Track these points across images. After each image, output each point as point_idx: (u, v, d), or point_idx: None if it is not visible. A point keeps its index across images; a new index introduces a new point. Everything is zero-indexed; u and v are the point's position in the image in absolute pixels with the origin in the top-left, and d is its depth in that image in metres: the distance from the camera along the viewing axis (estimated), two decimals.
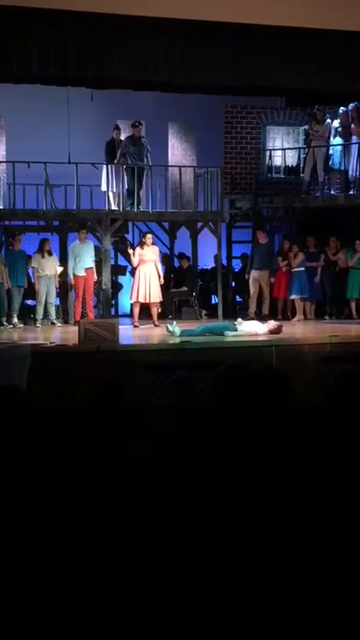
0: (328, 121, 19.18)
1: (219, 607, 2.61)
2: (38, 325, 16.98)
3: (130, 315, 17.22)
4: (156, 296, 16.70)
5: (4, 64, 15.12)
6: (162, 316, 17.30)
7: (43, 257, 17.10)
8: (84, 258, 17.28)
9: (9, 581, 2.73)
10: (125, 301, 18.92)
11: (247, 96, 19.17)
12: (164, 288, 17.38)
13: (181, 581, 2.67)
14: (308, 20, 15.56)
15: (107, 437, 3.92)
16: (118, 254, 19.41)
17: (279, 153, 20.78)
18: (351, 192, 18.58)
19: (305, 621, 2.61)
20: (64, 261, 17.62)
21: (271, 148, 21.08)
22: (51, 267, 17.18)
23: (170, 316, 17.68)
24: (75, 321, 16.39)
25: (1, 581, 2.73)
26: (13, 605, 2.68)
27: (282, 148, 20.95)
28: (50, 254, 17.26)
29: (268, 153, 20.80)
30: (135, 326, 16.52)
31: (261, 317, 16.97)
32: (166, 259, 19.22)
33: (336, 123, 18.95)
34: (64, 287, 17.79)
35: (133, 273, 17.24)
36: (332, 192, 19.12)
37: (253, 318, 16.52)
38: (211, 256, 19.30)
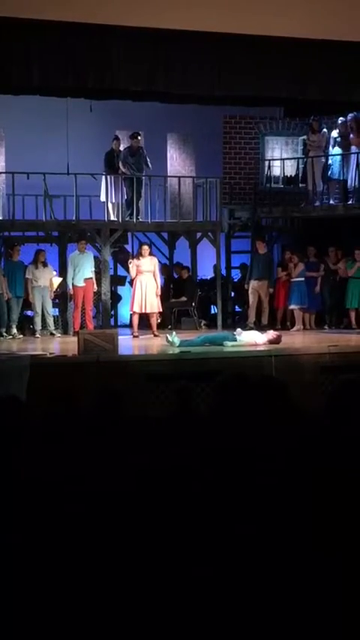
0: (325, 130, 19.21)
1: (218, 610, 2.61)
2: (37, 336, 16.98)
3: (130, 326, 17.23)
4: (153, 306, 16.71)
5: (4, 75, 15.14)
6: (161, 326, 17.32)
7: (36, 268, 17.08)
8: (83, 269, 17.28)
9: (11, 583, 2.73)
10: (125, 312, 18.93)
11: (245, 106, 19.21)
12: (163, 298, 17.39)
13: (180, 585, 2.67)
14: (307, 31, 15.60)
15: (107, 447, 3.93)
16: (118, 264, 19.44)
17: (278, 163, 20.79)
18: (350, 202, 18.60)
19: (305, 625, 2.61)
20: (63, 271, 17.63)
21: (269, 158, 21.08)
22: (45, 278, 17.17)
23: (170, 326, 17.68)
24: (74, 331, 16.38)
25: (3, 584, 2.74)
26: (13, 605, 2.68)
27: (281, 158, 20.97)
28: (45, 265, 17.25)
29: (266, 163, 20.80)
30: (134, 336, 16.53)
31: (260, 327, 16.96)
32: (165, 269, 19.23)
33: (335, 133, 18.98)
34: (64, 298, 17.79)
35: (131, 283, 17.26)
36: (331, 202, 19.13)
37: (252, 328, 16.50)
38: (210, 266, 19.31)
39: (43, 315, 17.19)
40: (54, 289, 17.46)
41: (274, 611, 2.59)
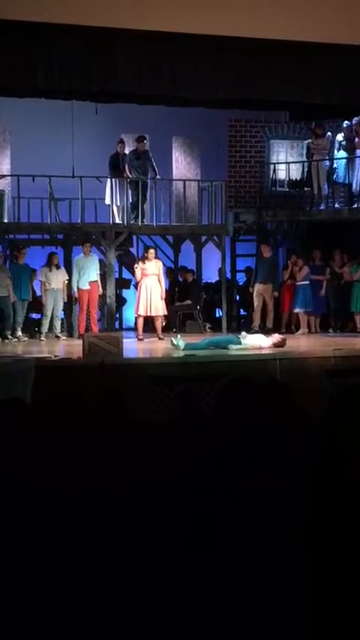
0: (329, 134, 19.21)
1: (216, 613, 2.61)
2: (43, 338, 16.98)
3: (135, 329, 17.23)
4: (158, 309, 16.72)
5: (9, 78, 15.18)
6: (166, 330, 17.31)
7: (50, 270, 17.13)
8: (88, 272, 17.29)
9: (11, 588, 2.73)
10: (130, 315, 18.95)
11: (251, 110, 19.21)
12: (168, 301, 17.39)
13: (179, 588, 2.67)
14: (312, 34, 15.62)
15: (110, 449, 3.92)
16: (123, 267, 19.44)
17: (283, 166, 20.79)
18: (355, 205, 18.58)
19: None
20: (68, 274, 17.64)
21: (275, 161, 21.09)
22: (58, 280, 17.20)
23: (174, 330, 17.68)
24: (79, 334, 16.39)
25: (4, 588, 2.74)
26: (13, 608, 2.68)
27: (286, 161, 20.97)
28: (58, 267, 17.28)
29: (272, 166, 20.82)
30: (139, 339, 16.53)
31: (265, 330, 16.95)
32: (170, 273, 19.24)
33: (340, 136, 18.97)
34: (69, 300, 17.80)
35: (136, 286, 17.27)
36: (336, 205, 19.12)
37: (257, 332, 16.51)
38: (215, 270, 19.31)
39: (51, 318, 17.20)
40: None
41: (273, 614, 2.59)
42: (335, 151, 19.05)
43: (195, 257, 19.16)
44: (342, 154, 18.89)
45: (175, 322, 18.26)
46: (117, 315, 18.85)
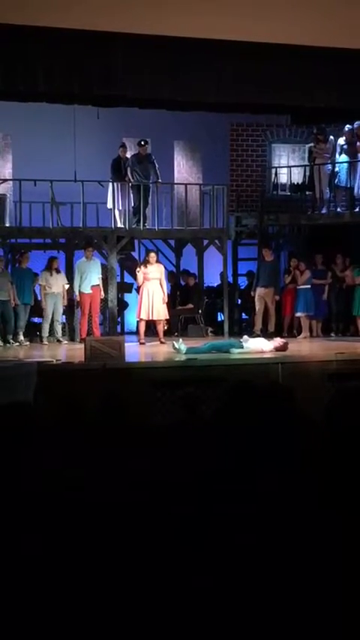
0: (331, 137, 19.22)
1: (218, 620, 2.61)
2: (45, 343, 16.99)
3: (136, 333, 17.24)
4: (160, 313, 16.71)
5: (10, 82, 15.18)
6: (168, 334, 17.31)
7: (51, 275, 17.15)
8: (90, 276, 17.30)
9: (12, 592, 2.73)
10: (132, 319, 18.95)
11: (252, 114, 19.22)
12: (170, 305, 17.39)
13: (180, 595, 2.67)
14: (313, 38, 15.61)
15: (112, 454, 3.93)
16: (124, 271, 19.45)
17: (284, 170, 20.81)
18: (357, 209, 18.58)
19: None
20: (70, 278, 17.65)
21: (276, 165, 21.11)
22: (58, 284, 17.22)
23: (176, 333, 17.68)
24: (81, 338, 16.40)
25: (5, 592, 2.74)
26: (14, 610, 2.68)
27: (288, 165, 20.98)
28: (58, 272, 17.31)
29: (273, 170, 20.83)
30: (141, 343, 16.53)
31: (267, 334, 16.95)
32: (172, 277, 19.24)
33: (341, 140, 18.97)
34: (71, 304, 17.81)
35: (138, 290, 17.27)
36: (338, 209, 19.12)
37: (259, 336, 16.51)
38: (216, 274, 19.32)
39: (51, 322, 17.21)
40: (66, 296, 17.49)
41: (274, 621, 2.59)
42: (337, 155, 19.05)
43: (197, 261, 19.18)
44: (343, 157, 18.89)
45: (176, 326, 18.27)
46: (119, 319, 18.85)
